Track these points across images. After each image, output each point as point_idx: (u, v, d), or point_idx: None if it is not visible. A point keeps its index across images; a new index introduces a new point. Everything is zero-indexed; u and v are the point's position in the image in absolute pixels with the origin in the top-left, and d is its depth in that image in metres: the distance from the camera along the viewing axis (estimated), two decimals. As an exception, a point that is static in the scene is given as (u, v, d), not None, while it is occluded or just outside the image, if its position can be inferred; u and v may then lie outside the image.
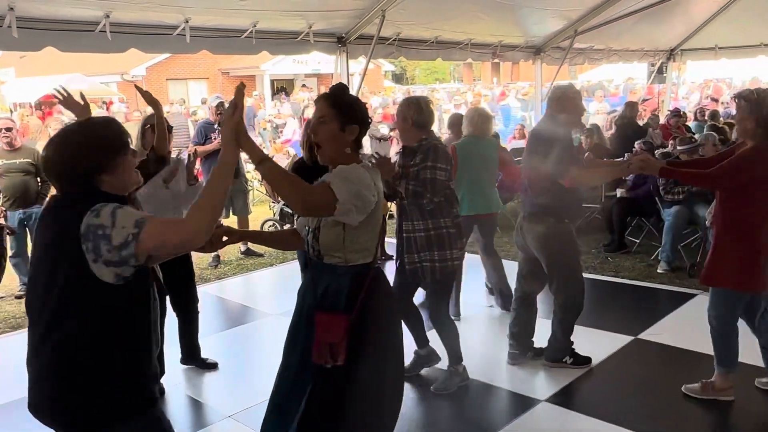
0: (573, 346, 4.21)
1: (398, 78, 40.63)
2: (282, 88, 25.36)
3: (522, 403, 3.78)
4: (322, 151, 2.42)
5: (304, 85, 24.19)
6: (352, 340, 2.29)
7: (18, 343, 4.83)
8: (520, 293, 4.30)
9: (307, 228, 2.44)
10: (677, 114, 9.90)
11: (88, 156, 1.86)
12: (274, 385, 2.57)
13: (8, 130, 5.87)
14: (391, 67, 30.43)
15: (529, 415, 3.65)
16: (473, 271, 5.72)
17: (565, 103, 3.95)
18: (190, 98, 21.96)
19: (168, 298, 4.13)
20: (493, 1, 6.79)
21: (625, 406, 3.75)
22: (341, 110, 2.36)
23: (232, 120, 1.97)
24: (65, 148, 1.89)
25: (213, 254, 6.68)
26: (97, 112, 15.41)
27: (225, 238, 2.34)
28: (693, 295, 5.38)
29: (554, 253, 3.99)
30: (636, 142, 7.25)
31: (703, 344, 4.24)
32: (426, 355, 4.15)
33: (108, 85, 22.41)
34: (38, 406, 1.90)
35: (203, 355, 4.43)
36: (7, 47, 4.82)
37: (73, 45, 5.11)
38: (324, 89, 23.45)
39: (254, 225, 7.69)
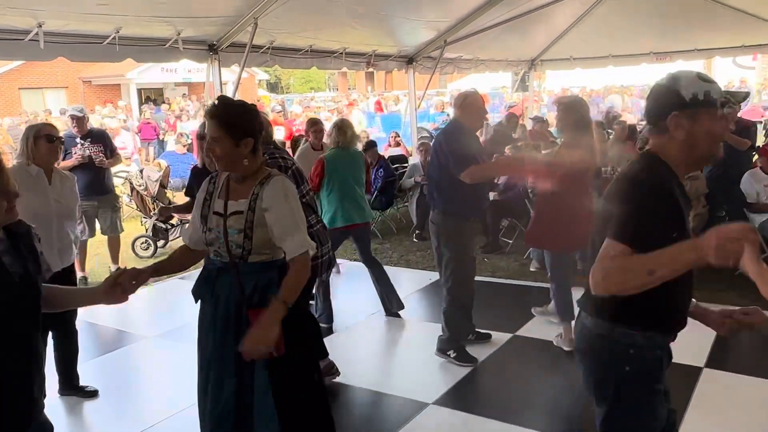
0: (462, 343, 4.39)
1: (273, 87, 40.08)
2: (150, 97, 24.16)
3: (411, 408, 3.78)
4: (222, 164, 2.46)
5: (184, 94, 23.28)
6: (286, 328, 2.34)
7: None
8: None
9: (218, 230, 2.43)
10: (540, 120, 10.48)
11: None
12: (202, 401, 2.56)
13: None
14: (266, 75, 29.95)
15: (420, 418, 3.66)
16: (358, 279, 5.71)
17: (468, 107, 4.25)
18: (49, 108, 20.30)
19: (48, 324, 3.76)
20: (366, 12, 6.83)
21: (508, 402, 3.88)
22: (230, 129, 2.38)
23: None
24: None
25: (80, 275, 6.16)
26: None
27: (134, 282, 2.14)
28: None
29: (448, 248, 4.23)
30: (506, 148, 7.58)
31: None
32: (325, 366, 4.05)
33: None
34: None
35: (81, 383, 4.09)
36: None
37: None
38: (195, 98, 22.67)
39: (125, 243, 7.20)
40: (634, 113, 16.49)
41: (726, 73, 18.21)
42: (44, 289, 1.88)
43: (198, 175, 4.20)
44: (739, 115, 6.74)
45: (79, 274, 6.18)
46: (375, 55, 8.34)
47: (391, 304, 5.28)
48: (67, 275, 3.80)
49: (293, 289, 2.37)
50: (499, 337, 4.75)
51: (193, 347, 4.50)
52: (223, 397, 2.47)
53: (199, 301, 2.62)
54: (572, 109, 4.40)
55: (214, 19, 6.02)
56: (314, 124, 6.43)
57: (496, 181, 7.39)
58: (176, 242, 7.92)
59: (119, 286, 2.05)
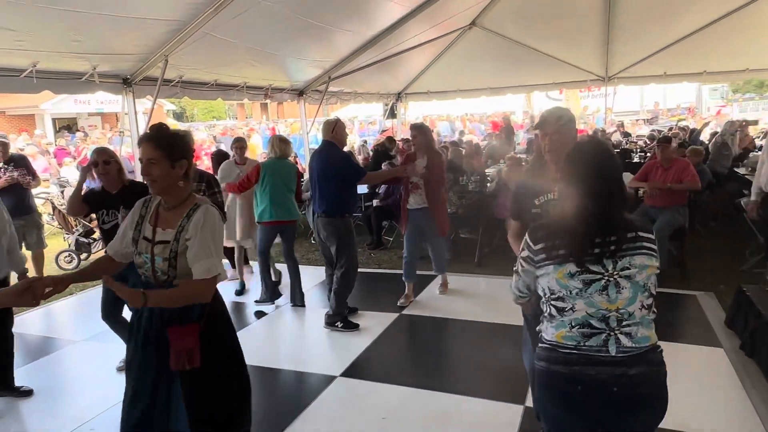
0: (346, 315, 4.63)
1: (179, 116, 37.93)
2: (67, 126, 22.01)
3: (322, 381, 3.71)
4: (156, 186, 2.16)
5: (94, 125, 21.38)
6: (204, 344, 2.14)
7: None
8: (330, 271, 4.75)
9: (146, 256, 2.16)
10: (407, 140, 10.72)
11: None
12: (125, 413, 2.22)
13: None
14: (173, 106, 28.28)
15: (330, 389, 3.60)
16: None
17: (339, 131, 4.59)
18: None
19: None
20: (262, 52, 6.64)
21: (402, 369, 3.91)
22: (167, 150, 2.13)
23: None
24: None
25: None
26: None
27: (48, 289, 1.89)
28: (433, 277, 5.83)
29: (341, 241, 4.50)
30: (383, 164, 7.70)
31: (451, 311, 4.64)
32: None
33: None
34: None
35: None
36: None
37: None
38: (109, 127, 20.94)
39: (49, 257, 6.48)
40: (476, 134, 17.37)
41: (541, 104, 19.63)
42: None
43: (92, 196, 3.83)
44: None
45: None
46: (271, 89, 8.14)
47: (297, 297, 5.19)
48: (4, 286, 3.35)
49: (169, 298, 2.09)
50: (388, 317, 4.79)
51: (118, 348, 4.18)
52: (135, 413, 2.19)
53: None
54: (423, 131, 5.02)
55: (127, 56, 5.57)
56: (238, 141, 6.16)
57: (377, 190, 7.47)
58: (99, 254, 7.26)
59: (31, 292, 1.82)
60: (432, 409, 3.29)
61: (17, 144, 13.26)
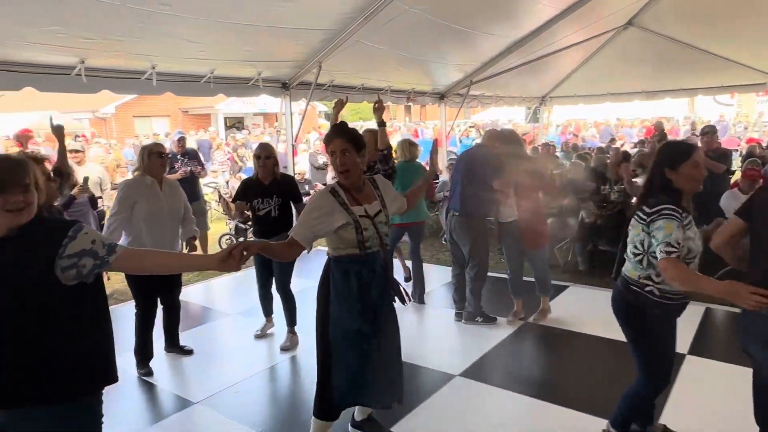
0: (483, 310, 4.70)
1: (329, 117, 40.37)
2: (234, 124, 24.72)
3: (440, 379, 3.76)
4: (349, 175, 2.57)
5: (257, 124, 23.73)
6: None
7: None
8: (457, 271, 4.80)
9: (372, 230, 2.59)
10: (548, 145, 10.33)
11: None
12: (367, 365, 2.64)
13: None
14: (324, 107, 30.24)
15: (447, 388, 3.64)
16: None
17: (502, 138, 4.60)
18: (156, 132, 20.93)
19: (159, 298, 4.05)
20: (407, 57, 6.87)
21: (522, 377, 3.82)
22: (355, 143, 2.56)
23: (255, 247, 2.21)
24: None
25: None
26: (71, 143, 14.45)
27: (245, 253, 2.13)
28: (566, 287, 5.59)
29: (475, 242, 4.55)
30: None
31: (580, 325, 4.42)
32: None
33: (81, 121, 21.09)
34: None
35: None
36: (-9, 87, 4.43)
37: (51, 86, 4.77)
38: (269, 126, 23.08)
39: (212, 239, 7.39)
40: (626, 140, 16.08)
41: (707, 109, 17.60)
42: (165, 255, 2.27)
43: (249, 186, 4.31)
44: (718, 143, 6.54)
45: None
46: (414, 92, 8.38)
47: (418, 295, 5.30)
48: None
49: (274, 253, 2.66)
50: (514, 324, 4.70)
51: (258, 325, 4.62)
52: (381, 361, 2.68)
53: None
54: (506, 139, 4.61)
55: (287, 62, 6.13)
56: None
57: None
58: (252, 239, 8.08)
59: (233, 257, 2.03)
60: (547, 422, 3.19)
61: (195, 137, 15.24)
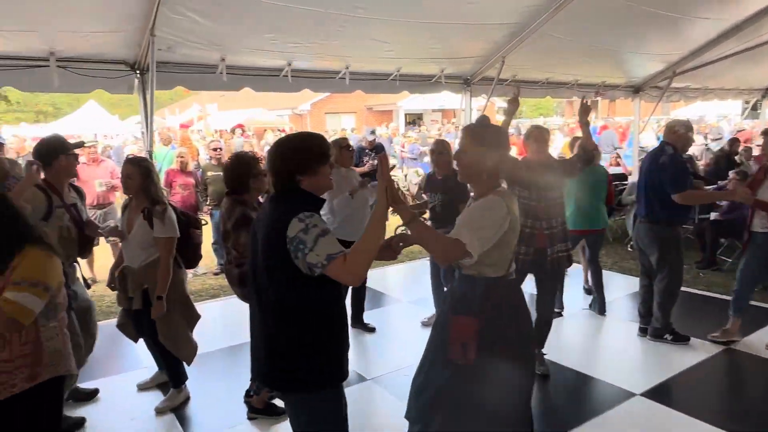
0: (673, 327, 4.25)
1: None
2: (413, 120, 25.66)
3: (618, 395, 3.50)
4: (464, 174, 2.25)
5: (435, 120, 24.37)
6: (481, 342, 2.09)
7: (217, 309, 5.28)
8: (645, 282, 4.42)
9: None
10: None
11: (292, 159, 1.95)
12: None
13: (217, 149, 6.38)
14: (503, 103, 29.75)
15: (626, 406, 3.37)
16: (571, 277, 5.44)
17: (679, 135, 4.06)
18: (344, 128, 22.74)
19: None
20: (598, 48, 6.41)
21: (717, 407, 3.38)
22: (481, 142, 2.19)
23: (383, 180, 1.89)
24: (277, 153, 1.99)
25: None
26: (270, 137, 16.43)
27: (401, 244, 2.21)
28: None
29: (664, 251, 4.11)
30: (730, 171, 6.55)
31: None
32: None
33: (282, 117, 23.86)
34: (268, 375, 2.01)
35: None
36: (219, 88, 5.25)
37: (264, 86, 5.47)
38: (446, 122, 23.46)
39: (389, 231, 7.79)
40: None
41: None
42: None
43: (427, 179, 4.46)
44: None
45: None
46: (603, 86, 7.80)
47: (597, 305, 4.96)
48: None
49: (425, 237, 2.09)
50: (710, 347, 4.15)
51: (427, 313, 4.77)
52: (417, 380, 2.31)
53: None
54: None
55: (470, 58, 6.18)
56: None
57: (719, 201, 6.42)
58: (426, 232, 8.34)
59: (391, 248, 2.16)
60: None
61: (380, 131, 16.22)
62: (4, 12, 3.86)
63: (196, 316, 3.45)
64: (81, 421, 3.25)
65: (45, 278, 1.99)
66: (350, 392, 3.57)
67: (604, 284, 5.03)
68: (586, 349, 4.42)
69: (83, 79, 4.62)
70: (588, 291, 5.33)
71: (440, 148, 4.35)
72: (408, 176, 8.54)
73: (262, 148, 12.38)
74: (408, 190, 8.34)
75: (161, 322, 3.22)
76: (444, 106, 24.08)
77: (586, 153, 3.62)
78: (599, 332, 4.73)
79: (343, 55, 5.47)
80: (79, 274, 3.43)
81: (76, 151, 3.36)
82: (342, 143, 4.38)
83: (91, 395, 3.56)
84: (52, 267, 2.04)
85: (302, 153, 1.96)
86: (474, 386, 2.10)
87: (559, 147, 12.49)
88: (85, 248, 3.35)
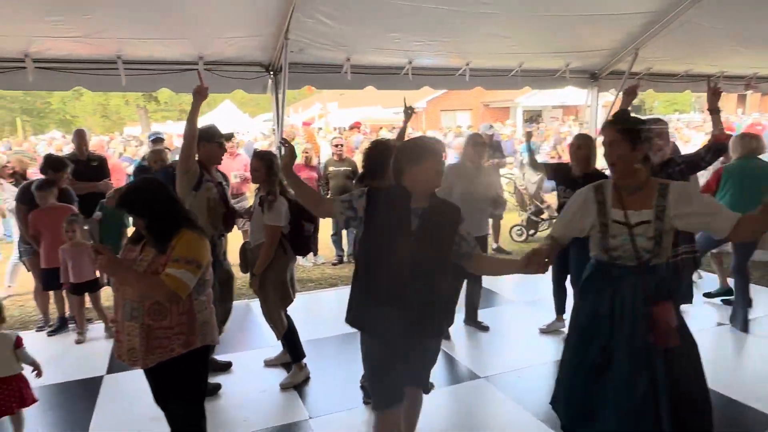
0: None
1: (636, 109, 36.74)
2: (531, 117, 24.83)
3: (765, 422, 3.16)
4: (615, 170, 2.32)
5: (555, 117, 23.42)
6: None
7: (333, 297, 5.56)
8: None
9: (624, 238, 2.28)
10: None
11: (399, 160, 2.23)
12: (577, 387, 2.41)
13: (338, 146, 6.69)
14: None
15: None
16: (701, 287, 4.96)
17: None
18: (459, 125, 22.63)
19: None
20: (752, 36, 5.78)
21: None
22: (628, 134, 2.27)
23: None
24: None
25: (495, 245, 7.20)
26: (384, 133, 16.84)
27: (546, 260, 2.24)
28: None
29: None
30: None
31: None
32: None
33: (398, 114, 24.28)
34: (429, 326, 2.30)
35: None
36: (343, 87, 5.51)
37: (385, 84, 5.65)
38: (567, 119, 22.40)
39: (504, 229, 7.67)
40: None
41: None
42: (482, 258, 2.42)
43: (559, 169, 4.27)
44: None
45: (494, 244, 7.09)
46: (756, 77, 7.01)
47: (740, 321, 4.47)
48: (482, 241, 4.33)
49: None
50: None
51: (547, 315, 4.62)
52: (637, 396, 2.22)
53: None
54: None
55: (598, 51, 5.89)
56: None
57: None
58: (543, 233, 8.06)
59: (534, 262, 2.19)
60: None
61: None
62: (163, 23, 4.38)
63: (289, 299, 3.72)
64: (218, 387, 3.63)
65: (198, 257, 2.25)
66: (461, 388, 3.65)
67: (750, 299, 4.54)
68: (727, 369, 4.02)
69: (225, 80, 5.11)
70: (725, 298, 4.82)
71: (580, 142, 4.12)
72: (526, 175, 8.30)
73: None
74: (525, 189, 8.11)
75: (260, 297, 3.61)
76: (566, 103, 23.02)
77: (717, 144, 3.36)
78: (742, 351, 4.28)
79: (464, 52, 5.48)
80: (224, 248, 3.83)
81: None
82: (477, 139, 4.39)
83: (225, 367, 3.95)
84: (203, 247, 2.31)
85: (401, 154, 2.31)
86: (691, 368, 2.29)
87: (697, 145, 11.40)
88: (228, 223, 3.75)
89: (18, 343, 2.94)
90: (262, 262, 3.51)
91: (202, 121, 3.62)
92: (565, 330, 4.51)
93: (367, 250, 2.28)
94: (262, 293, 3.59)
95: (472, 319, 4.70)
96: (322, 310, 4.28)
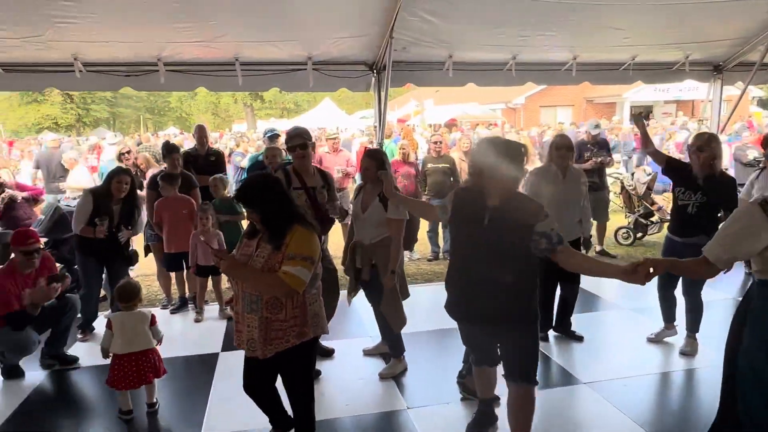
0: None
1: (764, 103, 33.28)
2: (641, 113, 23.32)
3: None
4: None
5: (668, 113, 21.87)
6: None
7: (429, 293, 5.62)
8: None
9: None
10: None
11: (476, 162, 2.47)
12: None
13: (437, 143, 6.73)
14: (760, 92, 25.18)
15: None
16: None
17: None
18: (561, 122, 21.80)
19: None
20: None
21: None
22: None
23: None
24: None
25: (599, 248, 6.93)
26: (484, 131, 16.63)
27: (651, 271, 2.16)
28: None
29: None
30: None
31: None
32: None
33: (494, 110, 23.87)
34: (509, 315, 2.45)
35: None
36: (444, 84, 5.56)
37: (487, 81, 5.61)
38: (681, 114, 20.78)
39: (609, 231, 7.31)
40: None
41: None
42: (571, 253, 2.41)
43: (676, 168, 4.01)
44: None
45: (598, 247, 6.89)
46: None
47: None
48: (574, 245, 4.14)
49: None
50: None
51: (655, 323, 4.37)
52: None
53: None
54: None
55: (723, 41, 5.45)
56: None
57: None
58: (652, 237, 7.59)
59: (641, 272, 2.13)
60: None
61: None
62: (276, 27, 4.67)
63: (407, 293, 3.80)
64: (318, 372, 3.82)
65: (311, 253, 2.39)
66: (560, 392, 3.57)
67: None
68: None
69: (331, 79, 5.34)
70: None
71: (701, 143, 3.80)
72: (635, 175, 7.85)
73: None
74: (634, 189, 7.67)
75: (388, 292, 3.61)
76: (681, 97, 21.39)
77: None
78: None
79: (571, 45, 5.31)
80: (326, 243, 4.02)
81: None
82: (560, 144, 4.22)
83: (329, 352, 4.16)
84: (314, 242, 2.44)
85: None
86: None
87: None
88: (324, 227, 3.90)
89: (153, 320, 3.30)
90: (396, 257, 3.58)
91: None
92: (674, 340, 4.26)
93: (452, 243, 2.69)
94: (391, 289, 3.63)
95: (562, 326, 4.49)
96: (417, 305, 4.34)
